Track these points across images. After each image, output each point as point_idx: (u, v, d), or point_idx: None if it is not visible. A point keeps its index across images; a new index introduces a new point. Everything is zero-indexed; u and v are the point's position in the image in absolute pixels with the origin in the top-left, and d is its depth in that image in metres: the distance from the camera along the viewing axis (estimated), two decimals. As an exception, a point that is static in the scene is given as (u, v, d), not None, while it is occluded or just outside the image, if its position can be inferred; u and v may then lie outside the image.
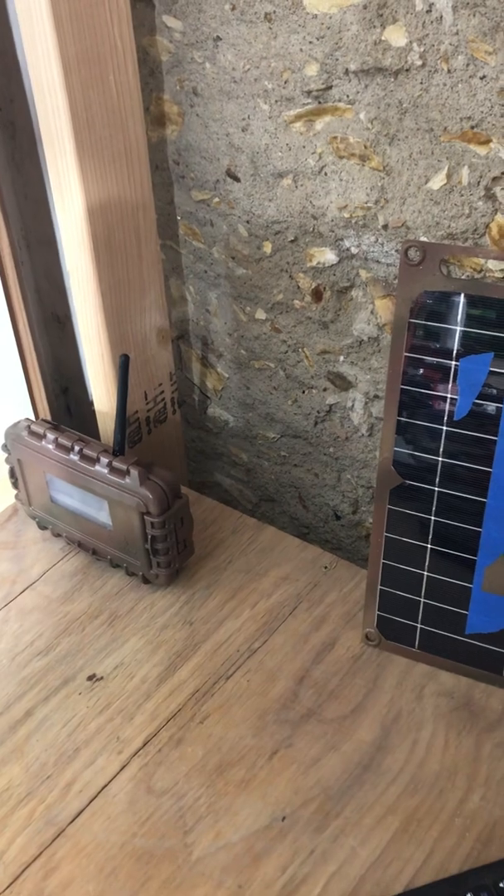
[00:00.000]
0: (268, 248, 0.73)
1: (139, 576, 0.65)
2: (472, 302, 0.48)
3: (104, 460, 0.62)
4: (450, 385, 0.50)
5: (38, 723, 0.57)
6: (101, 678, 0.59)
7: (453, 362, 0.50)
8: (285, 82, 0.64)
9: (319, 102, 0.64)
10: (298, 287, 0.74)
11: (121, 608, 0.64)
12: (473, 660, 0.56)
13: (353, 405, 0.77)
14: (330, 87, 0.62)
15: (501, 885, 0.45)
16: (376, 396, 0.75)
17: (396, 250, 0.66)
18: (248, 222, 0.73)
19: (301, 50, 0.62)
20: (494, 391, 0.49)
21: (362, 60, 0.59)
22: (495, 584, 0.54)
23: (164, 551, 0.62)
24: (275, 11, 0.62)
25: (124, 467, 0.60)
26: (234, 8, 0.64)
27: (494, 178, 0.58)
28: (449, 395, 0.51)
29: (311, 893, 0.47)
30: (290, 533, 0.84)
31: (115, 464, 0.61)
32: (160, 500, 0.60)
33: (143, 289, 0.72)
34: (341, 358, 0.75)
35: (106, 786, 0.53)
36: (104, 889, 0.48)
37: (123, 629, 0.63)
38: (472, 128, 0.57)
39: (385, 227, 0.65)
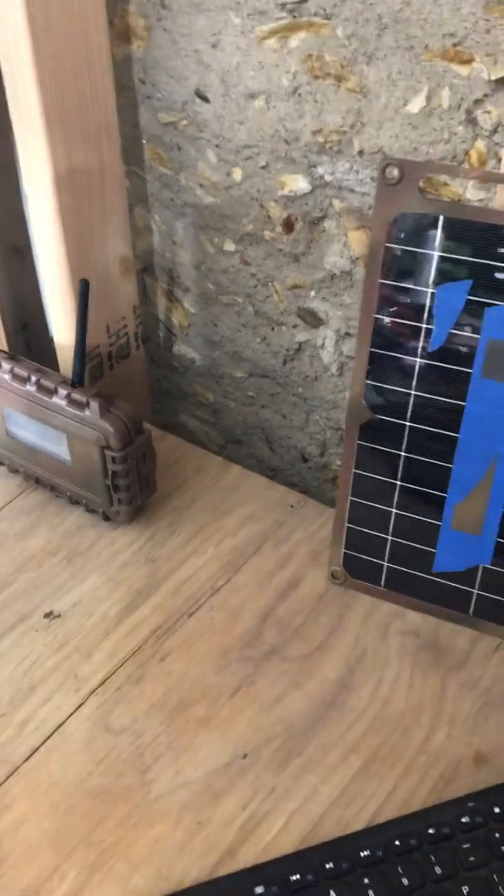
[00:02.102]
0: (238, 174, 0.70)
1: (100, 513, 0.63)
2: (451, 226, 0.46)
3: (62, 391, 0.59)
4: (426, 314, 0.48)
5: (-7, 661, 0.55)
6: (59, 615, 0.58)
7: (430, 290, 0.48)
8: (259, -7, 0.60)
9: (294, 17, 0.60)
10: (269, 217, 0.71)
11: (80, 545, 0.62)
12: (440, 598, 0.56)
13: (323, 343, 0.75)
14: (305, 0, 0.59)
15: (463, 820, 0.44)
16: (347, 334, 0.72)
17: (372, 178, 0.63)
18: (217, 146, 0.70)
19: (276, -43, 0.58)
20: (471, 322, 0.47)
21: (341, -31, 0.56)
22: (465, 522, 0.52)
23: (126, 487, 0.60)
24: None
25: (84, 399, 0.58)
26: None
27: (476, 101, 0.55)
28: (424, 326, 0.49)
29: (272, 831, 0.47)
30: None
31: (74, 395, 0.58)
32: (121, 433, 0.57)
33: (104, 216, 0.69)
34: (312, 293, 0.72)
35: (62, 724, 0.52)
36: (59, 826, 0.47)
37: (83, 566, 0.61)
38: (455, 45, 0.54)
39: (360, 152, 0.62)
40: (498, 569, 0.53)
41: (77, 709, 0.53)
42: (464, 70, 0.55)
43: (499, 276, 0.46)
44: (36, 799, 0.48)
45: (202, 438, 0.92)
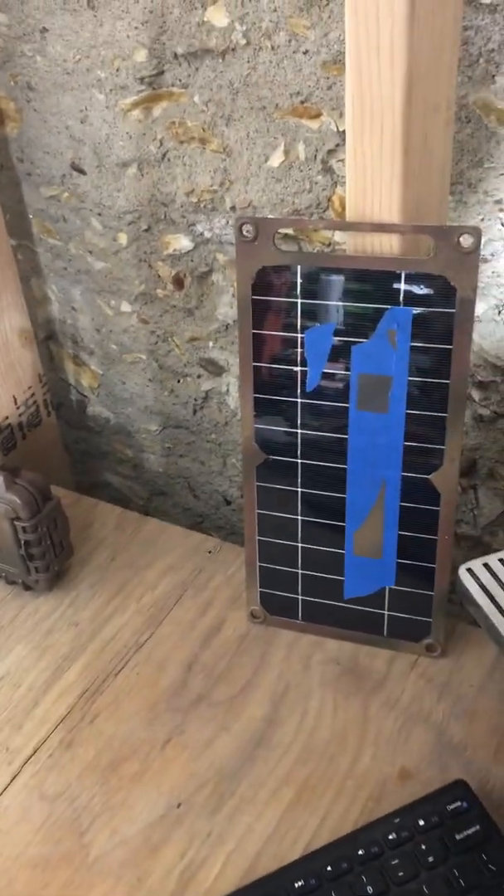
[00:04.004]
0: (123, 239, 0.73)
1: (19, 583, 0.64)
2: (308, 274, 0.49)
3: (-32, 469, 0.60)
4: (299, 358, 0.51)
5: None
6: (-13, 691, 0.58)
7: (299, 335, 0.50)
8: (117, 70, 0.64)
9: (154, 88, 0.63)
10: (159, 276, 0.73)
11: (3, 618, 0.63)
12: (355, 624, 0.57)
13: (227, 389, 0.77)
14: (162, 73, 0.62)
15: (390, 837, 0.46)
16: (248, 378, 0.75)
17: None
18: (100, 214, 0.72)
19: (128, 36, 0.61)
20: (341, 360, 0.50)
21: (189, 43, 0.59)
22: (365, 548, 0.55)
23: (41, 555, 0.61)
24: (97, -1, 0.61)
25: (-11, 474, 0.59)
26: (56, -3, 0.63)
27: (329, 151, 0.59)
28: (299, 369, 0.51)
29: (210, 875, 0.47)
30: (185, 523, 0.84)
31: (-20, 471, 0.59)
32: (28, 503, 0.59)
33: (-2, 291, 0.71)
34: (210, 344, 0.75)
35: (-3, 798, 0.52)
36: (0, 903, 0.47)
37: (7, 639, 0.61)
38: (302, 102, 0.58)
39: (233, 208, 0.65)
40: (403, 588, 0.55)
41: (11, 781, 0.53)
42: (314, 124, 0.59)
43: (357, 314, 0.48)
44: (-25, 878, 0.48)
45: (127, 493, 0.94)
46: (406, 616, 0.56)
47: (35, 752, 0.54)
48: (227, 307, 0.72)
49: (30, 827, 0.50)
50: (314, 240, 0.63)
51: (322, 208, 0.62)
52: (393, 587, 0.55)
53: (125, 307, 0.77)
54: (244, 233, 0.49)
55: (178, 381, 0.80)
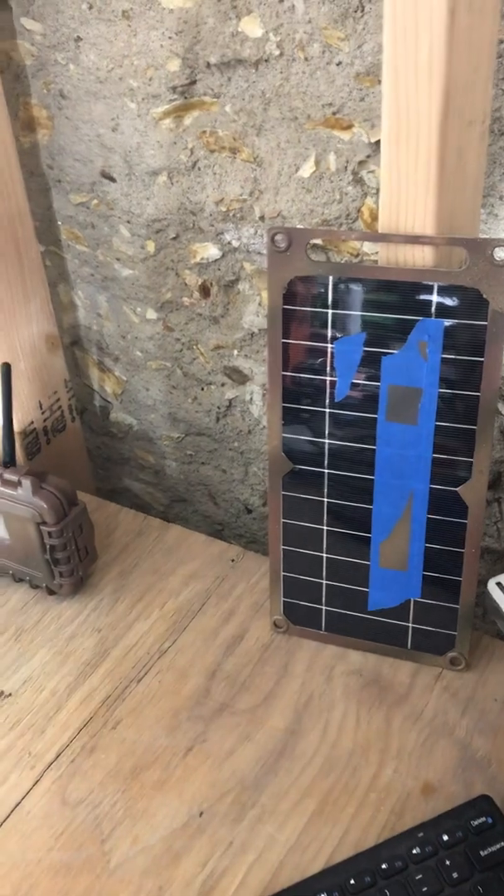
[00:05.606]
0: (151, 247, 0.73)
1: (43, 588, 0.64)
2: (340, 284, 0.49)
3: (-5, 473, 0.60)
4: (328, 368, 0.51)
5: None
6: (10, 695, 0.58)
7: (329, 345, 0.50)
8: (150, 79, 0.64)
9: (185, 97, 0.64)
10: (186, 284, 0.73)
11: (27, 622, 0.63)
12: (378, 635, 0.57)
13: (251, 398, 0.77)
14: (194, 82, 0.62)
15: (414, 851, 0.46)
16: (272, 387, 0.75)
17: (275, 240, 0.66)
18: (128, 222, 0.73)
19: (161, 46, 0.62)
20: (371, 370, 0.50)
21: (222, 53, 0.60)
22: (391, 559, 0.54)
23: (66, 560, 0.61)
24: (132, 8, 0.61)
25: (15, 478, 0.59)
26: (91, 7, 0.63)
27: (360, 162, 0.59)
28: (329, 379, 0.51)
29: (232, 885, 0.47)
30: (204, 531, 0.84)
31: (6, 475, 0.60)
32: (55, 508, 0.59)
33: (26, 298, 0.71)
34: (235, 352, 0.75)
35: (19, 803, 0.52)
36: (21, 907, 0.47)
37: (31, 643, 0.61)
38: (334, 114, 0.58)
39: (262, 217, 0.66)
40: (428, 601, 0.55)
41: (34, 786, 0.53)
42: (346, 135, 0.59)
43: (388, 325, 0.48)
44: (-3, 882, 0.48)
45: (148, 500, 0.94)
46: (430, 629, 0.56)
47: (57, 757, 0.54)
48: (252, 316, 0.72)
49: (51, 832, 0.51)
50: (342, 250, 0.63)
51: (351, 219, 0.62)
52: (418, 599, 0.55)
53: (151, 314, 0.78)
54: (276, 243, 0.49)
55: (202, 389, 0.80)
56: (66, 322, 0.85)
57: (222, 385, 0.78)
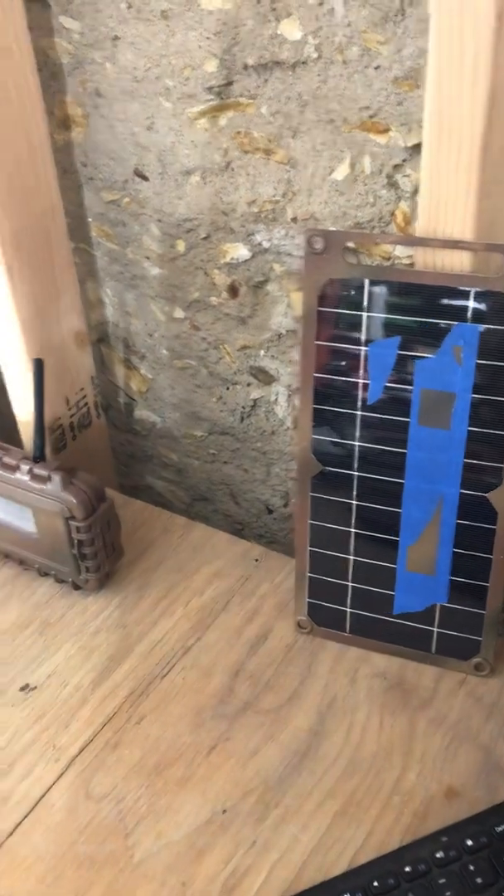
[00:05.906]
0: (181, 246, 0.73)
1: (69, 582, 0.64)
2: (375, 287, 0.49)
3: (24, 467, 0.61)
4: (361, 371, 0.51)
5: (-28, 738, 0.56)
6: (35, 688, 0.59)
7: (363, 348, 0.51)
8: (186, 79, 0.64)
9: (221, 98, 0.64)
10: (214, 284, 0.74)
11: (52, 616, 0.64)
12: (403, 639, 0.57)
13: (276, 399, 0.78)
14: (231, 83, 0.63)
15: (437, 855, 0.46)
16: (298, 389, 0.75)
17: (307, 242, 0.66)
18: (159, 221, 0.73)
19: (199, 46, 0.62)
20: (404, 374, 0.50)
21: (260, 55, 0.60)
22: (419, 563, 0.55)
23: (93, 555, 0.61)
24: (171, 9, 0.62)
25: (46, 473, 0.60)
26: (130, 6, 0.63)
27: (395, 166, 0.59)
28: (361, 381, 0.51)
29: (255, 884, 0.47)
30: (225, 530, 0.84)
31: (36, 470, 0.60)
32: (84, 503, 0.59)
33: (57, 294, 0.72)
34: (262, 352, 0.75)
35: (44, 796, 0.52)
36: (46, 899, 0.48)
37: (55, 637, 0.62)
38: (371, 117, 0.58)
39: (294, 219, 0.66)
40: (454, 606, 0.55)
41: (58, 779, 0.53)
42: (382, 139, 0.59)
43: (423, 329, 0.48)
44: (21, 874, 0.49)
45: (169, 498, 0.94)
46: (456, 634, 0.56)
47: (81, 751, 0.55)
48: (280, 317, 0.72)
49: (76, 825, 0.51)
50: (374, 253, 0.63)
51: (384, 222, 0.62)
52: (444, 604, 0.55)
53: (178, 313, 0.78)
54: (313, 244, 0.49)
55: (227, 389, 0.80)
56: (94, 319, 0.85)
57: (247, 385, 0.78)
